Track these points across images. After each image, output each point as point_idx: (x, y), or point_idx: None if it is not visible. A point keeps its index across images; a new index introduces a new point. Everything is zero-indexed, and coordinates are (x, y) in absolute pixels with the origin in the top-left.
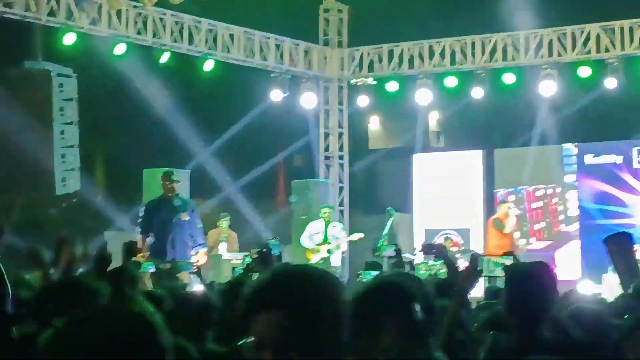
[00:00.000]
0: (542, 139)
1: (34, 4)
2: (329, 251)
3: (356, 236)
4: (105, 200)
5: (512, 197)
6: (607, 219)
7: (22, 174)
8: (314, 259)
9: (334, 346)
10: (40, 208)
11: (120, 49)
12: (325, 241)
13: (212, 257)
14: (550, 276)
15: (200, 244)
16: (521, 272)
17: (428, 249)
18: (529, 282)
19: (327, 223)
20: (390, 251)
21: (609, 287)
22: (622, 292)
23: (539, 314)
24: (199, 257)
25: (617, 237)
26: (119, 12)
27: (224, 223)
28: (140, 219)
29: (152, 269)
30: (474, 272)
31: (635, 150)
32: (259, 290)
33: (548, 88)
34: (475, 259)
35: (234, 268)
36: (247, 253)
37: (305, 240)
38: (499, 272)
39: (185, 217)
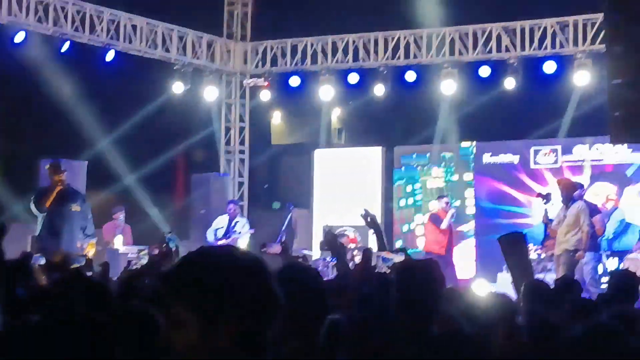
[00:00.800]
0: (442, 137)
1: None
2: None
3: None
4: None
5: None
6: (503, 219)
7: None
8: None
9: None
10: None
11: (19, 37)
12: (225, 236)
13: (108, 250)
14: (439, 272)
15: (89, 236)
16: (409, 269)
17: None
18: (417, 278)
19: (233, 218)
20: (276, 247)
21: (503, 286)
22: (515, 290)
23: (428, 309)
24: (88, 248)
25: (510, 236)
26: (19, 0)
27: (120, 216)
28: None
29: (42, 262)
30: (367, 267)
31: (532, 151)
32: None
33: (448, 87)
34: (367, 254)
35: (129, 261)
36: (143, 247)
37: (209, 234)
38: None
39: (76, 207)
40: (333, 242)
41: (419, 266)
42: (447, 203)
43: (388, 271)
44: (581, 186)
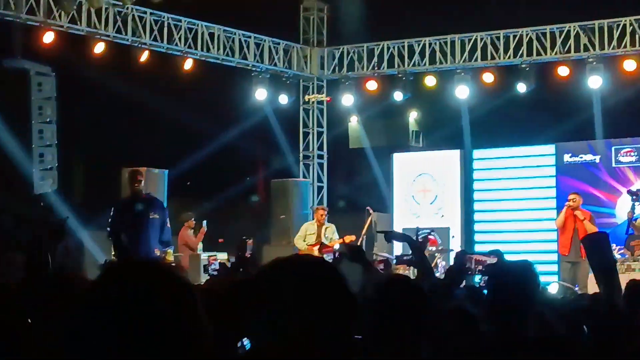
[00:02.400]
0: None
1: (12, 3)
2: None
3: (348, 238)
4: (83, 199)
5: None
6: None
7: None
8: None
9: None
10: (19, 207)
11: (99, 47)
12: (317, 242)
13: (191, 256)
14: (533, 274)
15: (166, 244)
16: (504, 271)
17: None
18: (511, 281)
19: (321, 224)
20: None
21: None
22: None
23: (522, 312)
24: (168, 257)
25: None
26: (98, 11)
27: (193, 223)
28: (110, 219)
29: None
30: (461, 269)
31: (613, 150)
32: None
33: (523, 87)
34: (461, 257)
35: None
36: (212, 253)
37: (298, 241)
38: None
39: (154, 215)
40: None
41: (513, 269)
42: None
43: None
44: None
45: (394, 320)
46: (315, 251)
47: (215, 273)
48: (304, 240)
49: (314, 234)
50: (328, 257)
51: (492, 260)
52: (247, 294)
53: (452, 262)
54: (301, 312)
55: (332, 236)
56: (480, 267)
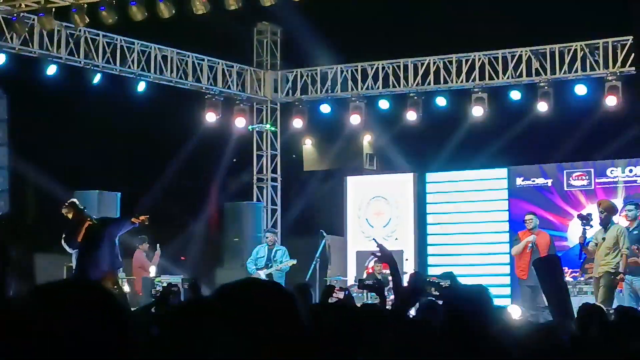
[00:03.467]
0: (473, 162)
1: None
2: (267, 275)
3: (289, 263)
4: (35, 222)
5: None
6: None
7: None
8: None
9: None
10: None
11: (52, 69)
12: (266, 265)
13: (143, 279)
14: (488, 298)
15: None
16: (459, 296)
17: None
18: (466, 305)
19: (272, 247)
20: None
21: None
22: (551, 314)
23: (476, 338)
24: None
25: (545, 259)
26: (50, 33)
27: (146, 246)
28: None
29: None
30: (415, 291)
31: (565, 174)
32: None
33: (478, 111)
34: (417, 279)
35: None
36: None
37: (249, 264)
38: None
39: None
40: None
41: (467, 293)
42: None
43: None
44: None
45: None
46: (262, 274)
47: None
48: (255, 264)
49: (264, 257)
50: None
51: (445, 283)
52: (194, 318)
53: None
54: (253, 338)
55: (282, 259)
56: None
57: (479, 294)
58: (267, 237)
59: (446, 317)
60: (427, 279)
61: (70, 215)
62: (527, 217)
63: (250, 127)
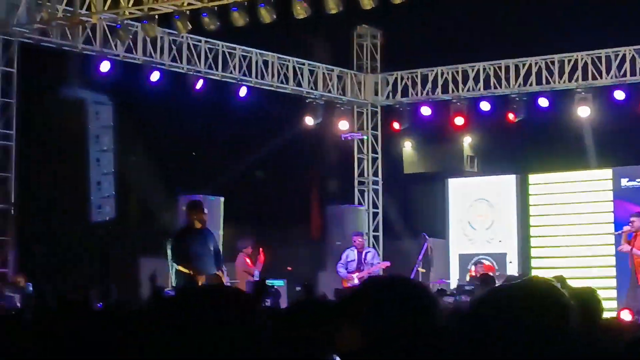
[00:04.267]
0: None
1: (69, 33)
2: (360, 279)
3: (382, 265)
4: (140, 227)
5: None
6: None
7: (57, 201)
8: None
9: None
10: (76, 235)
11: (155, 76)
12: (358, 268)
13: (247, 282)
14: (597, 301)
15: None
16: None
17: None
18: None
19: (361, 250)
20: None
21: None
22: None
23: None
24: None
25: None
26: (154, 40)
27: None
28: (172, 249)
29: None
30: None
31: None
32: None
33: (583, 111)
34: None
35: None
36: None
37: (340, 268)
38: None
39: (210, 248)
40: None
41: (577, 296)
42: None
43: None
44: None
45: None
46: (355, 279)
47: None
48: (345, 268)
49: (354, 260)
50: None
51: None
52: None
53: None
54: (399, 330)
55: (372, 261)
56: None
57: (589, 296)
58: (355, 240)
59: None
60: None
61: (192, 216)
62: (633, 218)
63: (343, 137)
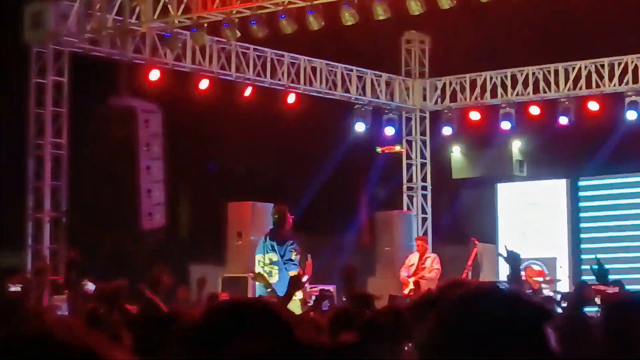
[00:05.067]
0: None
1: (119, 42)
2: (414, 283)
3: (434, 270)
4: (190, 234)
5: None
6: None
7: (108, 209)
8: (405, 290)
9: None
10: (127, 243)
11: (204, 83)
12: (414, 272)
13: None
14: None
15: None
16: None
17: None
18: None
19: (422, 254)
20: None
21: None
22: None
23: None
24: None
25: None
26: (202, 48)
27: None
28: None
29: None
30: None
31: None
32: None
33: (632, 115)
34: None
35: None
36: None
37: (401, 271)
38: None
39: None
40: None
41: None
42: None
43: None
44: None
45: None
46: (411, 283)
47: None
48: (407, 272)
49: (413, 265)
50: None
51: (613, 289)
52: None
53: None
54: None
55: (430, 266)
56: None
57: None
58: (417, 244)
59: (609, 320)
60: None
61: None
62: None
63: (377, 149)
